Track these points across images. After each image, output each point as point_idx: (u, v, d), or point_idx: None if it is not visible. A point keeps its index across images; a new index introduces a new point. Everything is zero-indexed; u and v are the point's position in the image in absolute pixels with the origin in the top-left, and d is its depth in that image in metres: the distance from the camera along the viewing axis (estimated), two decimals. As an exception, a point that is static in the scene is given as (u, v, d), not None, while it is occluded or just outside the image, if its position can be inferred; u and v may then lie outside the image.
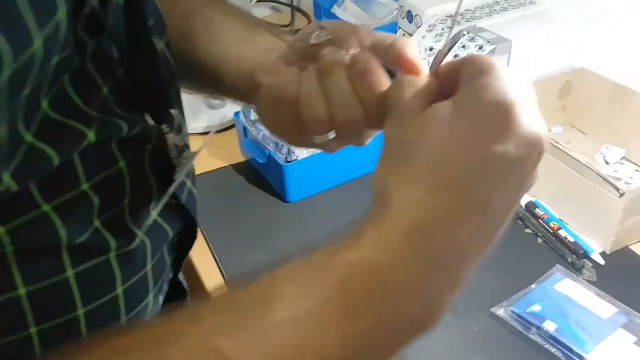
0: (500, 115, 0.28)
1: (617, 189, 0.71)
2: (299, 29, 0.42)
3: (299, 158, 0.87)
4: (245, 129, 0.94)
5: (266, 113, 0.41)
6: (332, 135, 0.38)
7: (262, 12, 1.38)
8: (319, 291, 0.27)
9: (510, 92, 0.28)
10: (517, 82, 0.29)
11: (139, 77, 0.36)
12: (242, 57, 0.43)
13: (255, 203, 0.88)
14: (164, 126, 0.38)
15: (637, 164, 0.87)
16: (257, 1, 1.30)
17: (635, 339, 0.64)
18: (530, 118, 0.29)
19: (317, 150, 0.88)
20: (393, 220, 0.28)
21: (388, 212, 0.29)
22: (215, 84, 0.45)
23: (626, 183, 0.76)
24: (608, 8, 0.91)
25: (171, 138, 0.38)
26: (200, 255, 0.79)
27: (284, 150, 0.88)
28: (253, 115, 0.97)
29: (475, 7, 1.03)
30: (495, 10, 1.01)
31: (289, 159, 0.87)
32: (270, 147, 0.89)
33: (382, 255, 0.28)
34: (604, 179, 0.72)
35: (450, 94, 0.30)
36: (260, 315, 0.27)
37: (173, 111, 0.38)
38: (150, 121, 0.37)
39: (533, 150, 0.29)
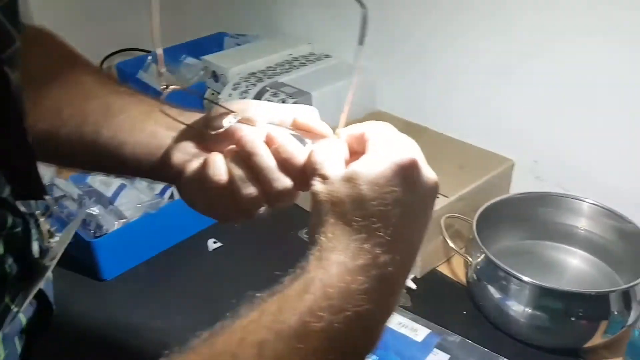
0: (409, 170, 0.36)
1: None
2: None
3: (109, 231, 0.82)
4: (47, 207, 0.86)
5: (195, 196, 0.44)
6: (264, 208, 0.42)
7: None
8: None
9: (411, 151, 0.37)
10: (409, 141, 0.38)
11: (10, 164, 0.37)
12: (144, 139, 0.45)
13: (65, 286, 0.81)
14: (38, 212, 0.40)
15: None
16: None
17: (448, 356, 0.68)
18: (427, 169, 0.37)
19: (128, 220, 0.84)
20: (335, 258, 0.35)
21: (330, 251, 0.35)
22: (120, 164, 0.46)
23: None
24: (398, 59, 1.01)
25: (43, 224, 0.41)
26: None
27: (92, 225, 0.82)
28: (56, 192, 0.90)
29: (276, 64, 1.09)
30: (294, 65, 1.07)
31: (97, 234, 0.81)
32: (76, 224, 0.83)
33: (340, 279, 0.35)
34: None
35: (356, 152, 0.39)
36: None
37: (47, 198, 0.41)
38: (22, 208, 0.38)
39: (433, 193, 0.38)
